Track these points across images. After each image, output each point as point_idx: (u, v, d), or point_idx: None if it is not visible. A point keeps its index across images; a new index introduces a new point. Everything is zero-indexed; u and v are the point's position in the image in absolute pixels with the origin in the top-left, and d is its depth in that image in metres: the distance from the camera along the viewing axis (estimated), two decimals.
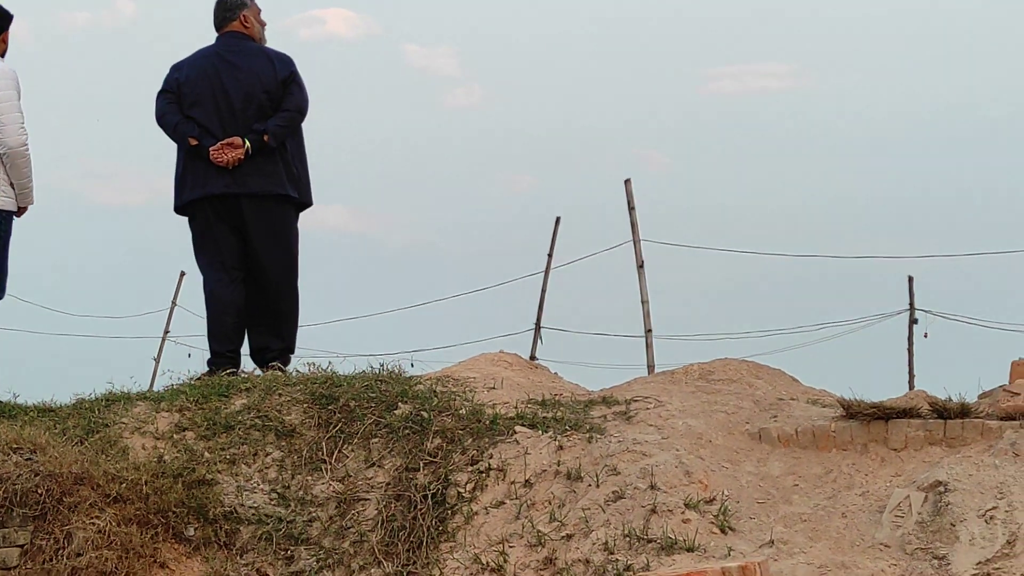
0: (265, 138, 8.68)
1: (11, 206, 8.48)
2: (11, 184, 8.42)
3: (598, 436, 7.05)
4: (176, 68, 8.99)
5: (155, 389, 8.70)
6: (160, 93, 8.94)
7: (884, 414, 6.87)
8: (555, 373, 9.06)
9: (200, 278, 8.99)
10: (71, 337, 21.58)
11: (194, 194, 8.80)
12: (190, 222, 8.95)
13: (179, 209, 8.96)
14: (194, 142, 8.72)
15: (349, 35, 38.18)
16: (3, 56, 8.62)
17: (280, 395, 7.76)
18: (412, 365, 8.72)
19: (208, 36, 9.09)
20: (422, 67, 38.04)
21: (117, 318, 21.79)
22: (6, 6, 8.70)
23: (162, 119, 8.89)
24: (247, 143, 8.65)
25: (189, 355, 17.45)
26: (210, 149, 8.65)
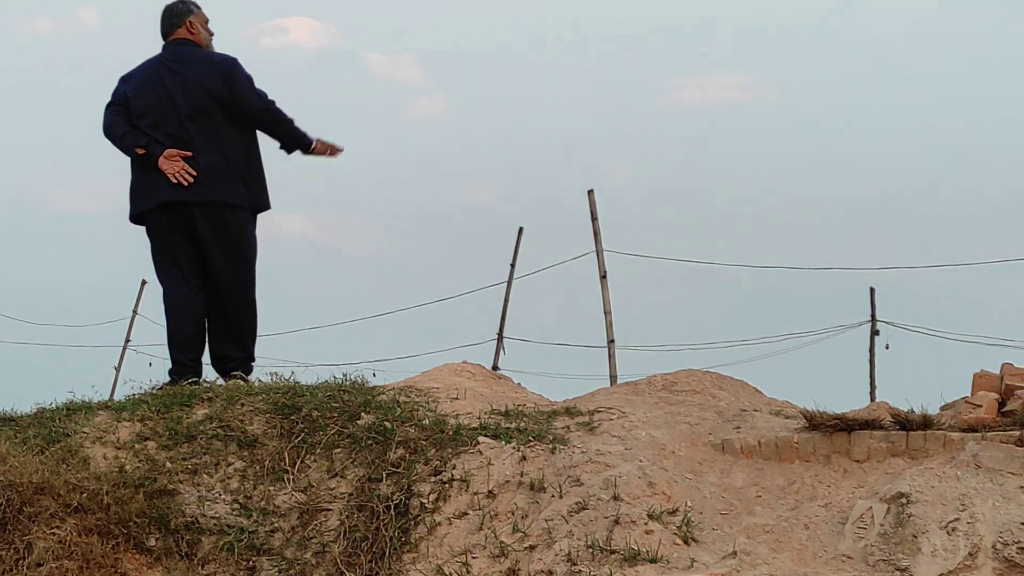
0: (312, 145, 8.95)
1: None
2: None
3: (561, 447, 7.04)
4: (123, 80, 8.94)
5: (116, 398, 8.66)
6: (108, 106, 8.89)
7: (847, 425, 6.88)
8: (518, 383, 9.06)
9: (159, 287, 8.96)
10: (31, 346, 21.50)
11: (147, 204, 8.77)
12: (147, 232, 8.91)
13: (134, 219, 8.93)
14: (142, 151, 8.68)
15: (312, 44, 38.20)
16: None
17: (242, 405, 7.73)
18: (375, 375, 8.72)
19: None
20: (385, 76, 38.07)
21: (78, 327, 21.73)
22: None
23: (109, 131, 8.84)
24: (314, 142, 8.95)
25: (150, 364, 17.43)
26: (159, 159, 8.62)
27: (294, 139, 8.93)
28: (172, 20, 8.97)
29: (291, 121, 8.92)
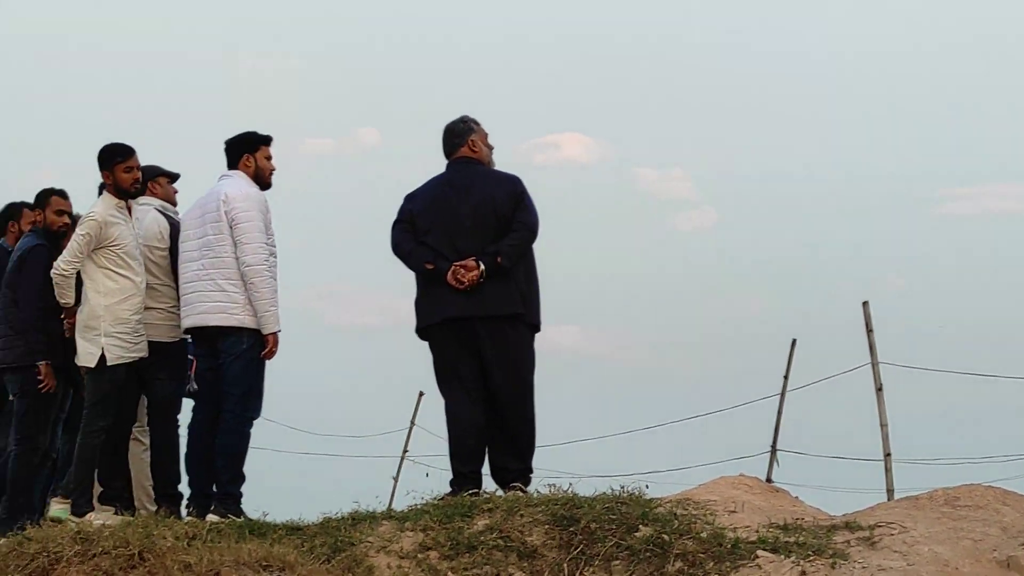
0: (498, 259, 8.81)
1: (272, 327, 8.76)
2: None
3: (842, 562, 6.97)
4: (409, 198, 9.22)
5: (394, 508, 8.82)
6: (395, 223, 9.17)
7: None
8: (795, 497, 8.98)
9: (441, 399, 9.13)
10: (315, 456, 21.96)
11: (432, 318, 8.99)
12: (430, 345, 9.12)
13: (419, 332, 9.15)
14: (430, 266, 8.91)
15: (583, 159, 38.47)
16: (264, 179, 9.03)
17: (522, 516, 7.81)
18: (647, 487, 8.72)
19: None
20: (655, 190, 38.16)
21: (359, 437, 22.12)
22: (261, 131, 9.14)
23: (397, 248, 9.11)
24: (481, 265, 8.79)
25: (427, 475, 17.56)
26: (446, 274, 8.82)
27: (512, 257, 8.98)
28: (455, 140, 9.23)
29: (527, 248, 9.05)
